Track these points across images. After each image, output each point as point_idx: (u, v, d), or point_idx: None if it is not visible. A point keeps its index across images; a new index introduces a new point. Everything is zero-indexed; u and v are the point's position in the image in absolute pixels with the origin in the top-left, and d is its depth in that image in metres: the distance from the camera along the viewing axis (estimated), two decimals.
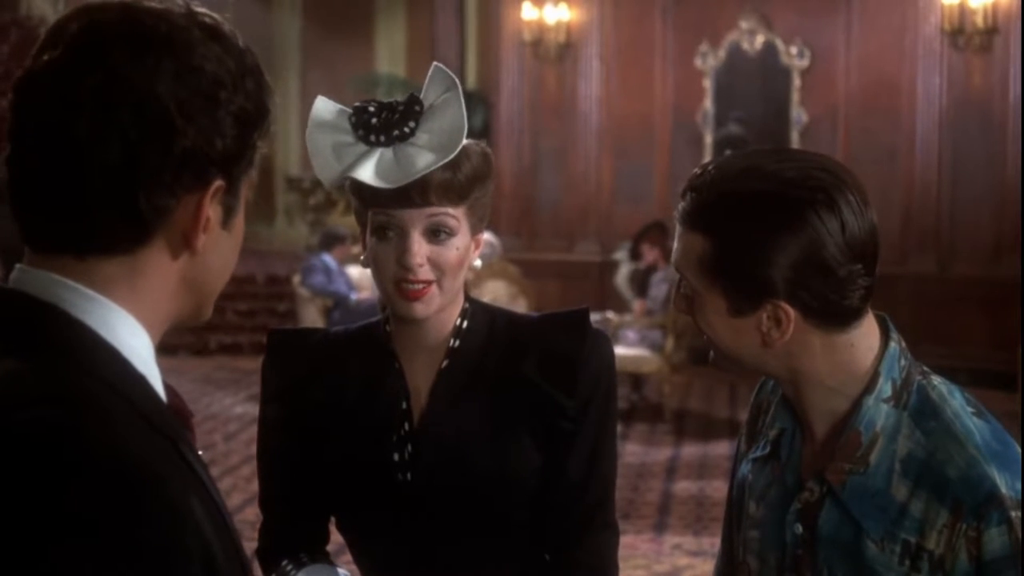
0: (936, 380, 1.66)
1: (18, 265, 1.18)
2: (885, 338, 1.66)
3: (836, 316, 1.61)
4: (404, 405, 1.94)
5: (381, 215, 1.87)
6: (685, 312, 1.69)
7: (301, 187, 15.25)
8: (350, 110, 1.89)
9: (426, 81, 1.90)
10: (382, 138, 1.86)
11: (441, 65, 1.92)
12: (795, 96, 11.55)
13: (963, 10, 10.68)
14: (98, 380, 1.12)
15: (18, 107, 1.17)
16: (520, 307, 8.68)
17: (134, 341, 1.17)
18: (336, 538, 2.05)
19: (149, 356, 1.19)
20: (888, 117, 11.11)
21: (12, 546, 1.01)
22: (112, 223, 1.15)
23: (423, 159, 1.84)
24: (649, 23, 12.00)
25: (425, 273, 1.86)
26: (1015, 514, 1.54)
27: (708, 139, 11.83)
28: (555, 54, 12.19)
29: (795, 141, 11.44)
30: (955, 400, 1.63)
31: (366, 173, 1.84)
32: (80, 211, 1.14)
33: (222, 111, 1.16)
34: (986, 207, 10.69)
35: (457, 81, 1.90)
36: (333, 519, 2.03)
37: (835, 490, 1.64)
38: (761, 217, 1.57)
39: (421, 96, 1.88)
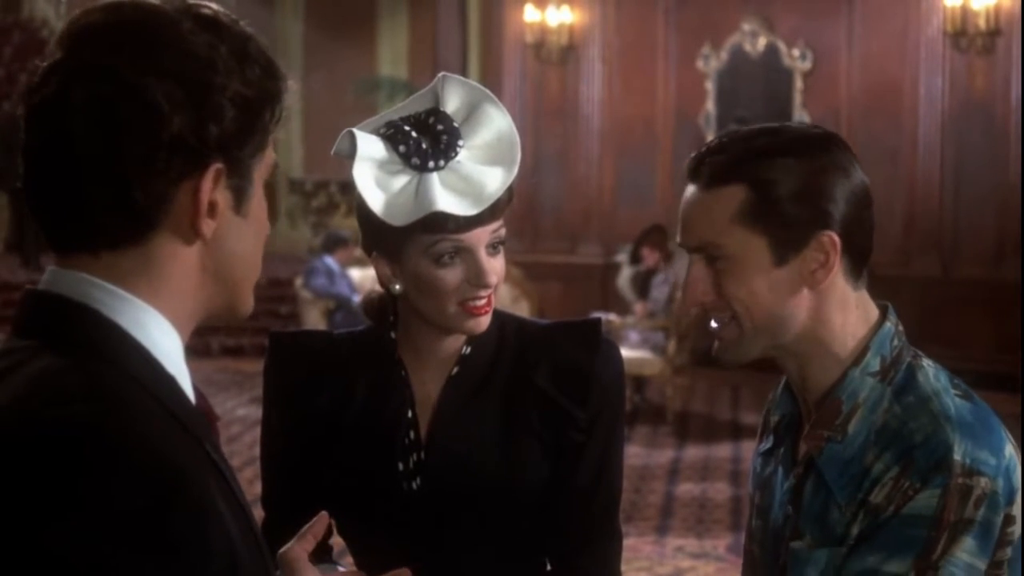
0: (926, 363, 1.67)
1: (50, 267, 1.21)
2: (882, 318, 1.69)
3: (862, 259, 1.66)
4: (410, 413, 1.93)
5: (447, 242, 1.82)
6: (708, 298, 1.65)
7: (303, 189, 15.28)
8: (383, 138, 1.83)
9: (442, 93, 1.85)
10: (441, 162, 1.80)
11: (453, 75, 1.87)
12: (797, 98, 11.55)
13: (965, 12, 10.68)
14: (129, 379, 1.14)
15: (26, 113, 1.20)
16: (522, 309, 8.68)
17: (165, 341, 1.19)
18: (338, 541, 2.05)
19: (179, 356, 1.21)
20: (890, 119, 11.11)
21: (41, 537, 1.04)
22: (111, 216, 1.17)
23: (493, 176, 1.80)
24: (651, 25, 12.01)
25: (491, 288, 1.85)
26: (961, 481, 1.54)
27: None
28: (557, 56, 12.19)
29: None
30: (940, 382, 1.64)
31: (449, 203, 1.78)
32: (80, 207, 1.17)
33: (216, 96, 1.17)
34: (989, 209, 10.68)
35: (487, 91, 1.86)
36: (334, 523, 2.02)
37: (812, 455, 1.65)
38: (809, 154, 1.63)
39: (443, 109, 1.84)
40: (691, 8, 11.84)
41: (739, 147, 1.64)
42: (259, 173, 1.24)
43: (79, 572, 1.03)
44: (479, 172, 1.80)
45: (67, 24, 1.20)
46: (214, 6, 1.22)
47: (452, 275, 1.83)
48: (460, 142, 1.81)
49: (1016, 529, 1.58)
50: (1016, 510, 1.58)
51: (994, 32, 10.65)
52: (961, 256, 10.85)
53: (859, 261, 1.66)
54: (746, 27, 11.68)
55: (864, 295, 1.68)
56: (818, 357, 1.66)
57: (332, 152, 1.85)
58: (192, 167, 1.17)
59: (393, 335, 1.96)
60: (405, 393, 1.94)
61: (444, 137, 1.81)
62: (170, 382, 1.18)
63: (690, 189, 1.67)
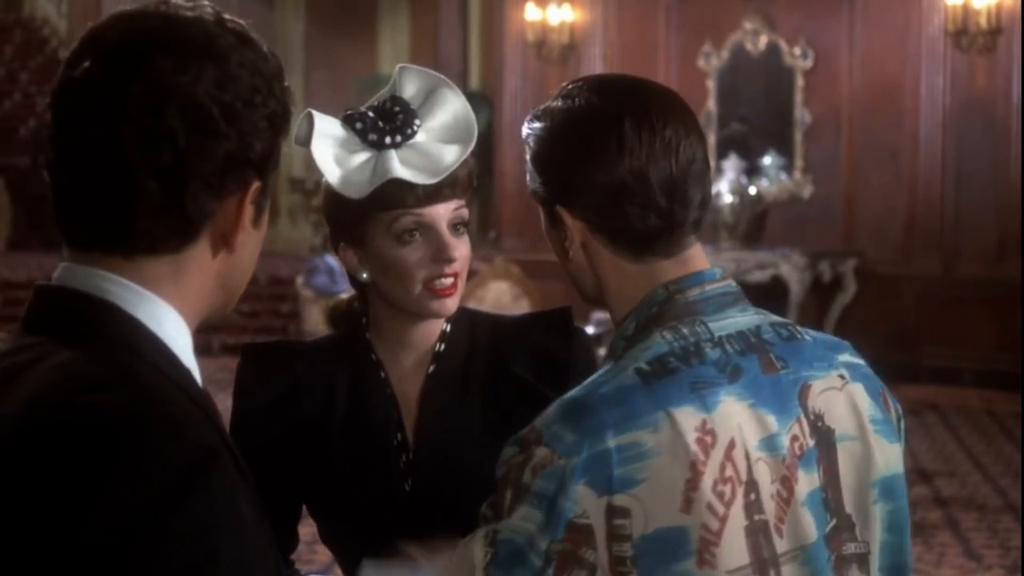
0: (669, 335, 1.60)
1: (63, 264, 1.21)
2: (662, 287, 1.66)
3: (632, 239, 1.65)
4: (395, 415, 1.93)
5: (408, 217, 1.85)
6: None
7: (304, 188, 15.27)
8: (340, 120, 1.87)
9: (399, 82, 1.89)
10: (397, 139, 1.84)
11: (411, 65, 1.93)
12: (799, 97, 11.54)
13: (966, 10, 10.67)
14: (154, 368, 1.16)
15: (59, 115, 1.20)
16: (523, 308, 8.68)
17: (178, 336, 1.22)
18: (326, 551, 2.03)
19: (189, 351, 1.23)
20: (892, 118, 11.10)
21: (80, 520, 1.06)
22: (161, 225, 1.18)
23: (448, 152, 1.85)
24: (652, 24, 12.01)
25: (455, 267, 1.87)
26: (532, 448, 1.52)
27: (712, 139, 11.82)
28: (558, 55, 12.19)
29: (798, 141, 11.45)
30: (638, 356, 1.59)
31: (406, 173, 1.82)
32: (129, 214, 1.18)
33: (258, 115, 1.20)
34: (990, 208, 10.68)
35: (443, 77, 1.91)
36: (318, 532, 2.00)
37: None
38: (562, 131, 1.66)
39: (400, 95, 1.89)
40: (692, 7, 11.84)
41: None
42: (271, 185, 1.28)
43: (113, 553, 1.05)
44: (436, 148, 1.85)
45: (103, 30, 1.20)
46: (239, 20, 1.24)
47: (414, 252, 1.85)
48: (416, 122, 1.86)
49: (629, 524, 1.49)
50: (628, 502, 1.49)
51: (995, 31, 10.64)
52: (962, 255, 10.85)
53: (624, 239, 1.65)
54: (747, 26, 11.67)
55: (651, 267, 1.64)
56: (614, 320, 1.69)
57: (292, 139, 1.85)
58: (239, 184, 1.20)
59: (368, 336, 1.96)
60: (387, 394, 1.94)
61: (400, 116, 1.86)
62: (188, 374, 1.21)
63: None
